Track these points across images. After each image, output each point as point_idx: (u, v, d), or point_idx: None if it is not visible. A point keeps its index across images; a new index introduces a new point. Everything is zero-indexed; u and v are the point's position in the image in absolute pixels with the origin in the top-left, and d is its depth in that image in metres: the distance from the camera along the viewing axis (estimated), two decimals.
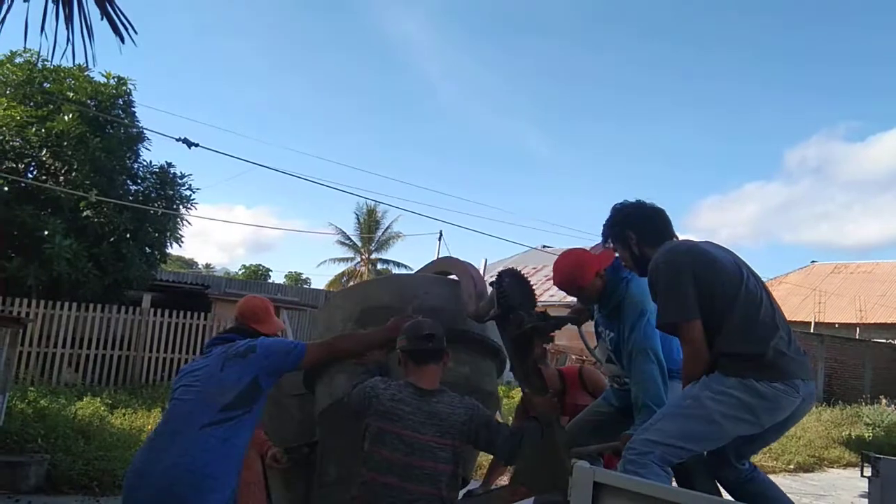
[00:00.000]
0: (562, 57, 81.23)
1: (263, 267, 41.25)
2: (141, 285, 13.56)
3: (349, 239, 35.92)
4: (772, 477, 3.38)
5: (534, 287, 3.24)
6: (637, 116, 79.24)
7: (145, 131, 14.11)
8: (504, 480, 4.54)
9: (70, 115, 12.52)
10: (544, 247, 25.89)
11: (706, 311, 2.56)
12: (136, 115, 14.19)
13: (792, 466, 11.55)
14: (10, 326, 7.84)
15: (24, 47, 12.44)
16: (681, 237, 2.95)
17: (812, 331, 23.60)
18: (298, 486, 3.59)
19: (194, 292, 15.85)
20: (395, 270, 34.13)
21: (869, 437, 14.42)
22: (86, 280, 12.20)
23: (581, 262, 3.19)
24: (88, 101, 13.09)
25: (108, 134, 13.25)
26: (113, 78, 13.59)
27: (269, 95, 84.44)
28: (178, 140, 10.49)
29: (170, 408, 2.84)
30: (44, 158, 12.67)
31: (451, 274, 3.67)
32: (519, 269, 3.38)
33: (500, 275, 3.06)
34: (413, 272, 4.22)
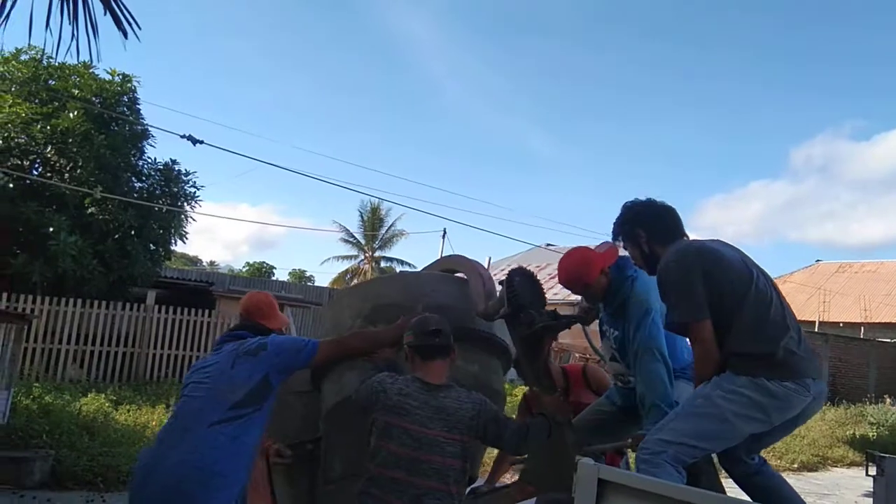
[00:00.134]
0: (564, 57, 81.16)
1: (267, 264, 41.37)
2: (145, 282, 13.60)
3: (353, 237, 35.95)
4: None
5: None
6: (640, 116, 79.19)
7: (150, 128, 14.18)
8: (508, 479, 4.54)
9: (75, 113, 12.56)
10: (548, 245, 25.86)
11: (715, 310, 2.56)
12: (141, 112, 14.26)
13: (796, 465, 11.53)
14: (16, 323, 7.87)
15: (29, 44, 12.49)
16: (688, 234, 2.94)
17: (816, 330, 23.53)
18: (302, 483, 3.59)
19: (198, 289, 15.87)
20: (399, 268, 34.16)
21: (873, 436, 14.38)
22: (90, 277, 12.24)
23: (586, 259, 3.18)
24: (93, 99, 13.14)
25: (113, 131, 13.29)
26: (118, 75, 13.64)
27: (274, 94, 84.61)
28: (182, 137, 10.52)
29: (180, 404, 2.84)
30: (49, 155, 12.72)
31: (458, 272, 3.66)
32: (520, 266, 3.37)
33: (511, 274, 3.06)
34: (420, 270, 4.21)
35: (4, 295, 11.09)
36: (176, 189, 14.28)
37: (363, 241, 36.12)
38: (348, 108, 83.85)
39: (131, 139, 13.75)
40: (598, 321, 3.44)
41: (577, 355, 14.55)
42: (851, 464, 12.44)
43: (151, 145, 14.38)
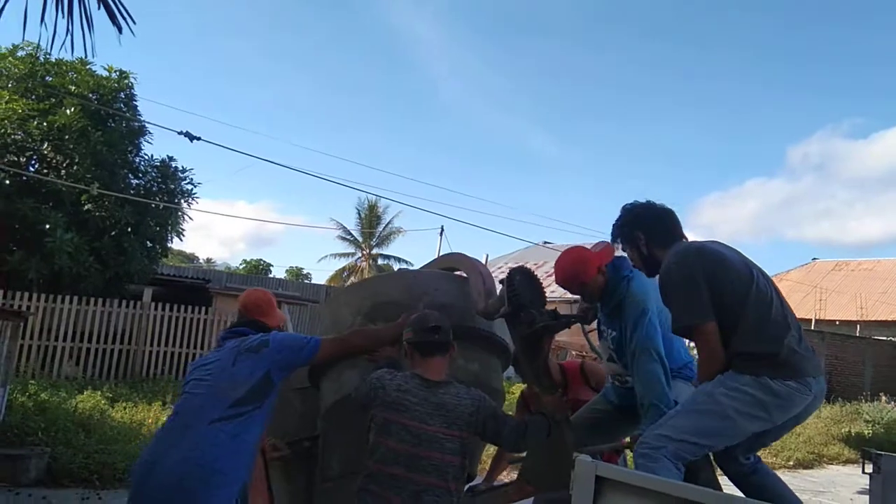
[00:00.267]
0: (564, 56, 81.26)
1: (264, 262, 41.34)
2: (142, 279, 13.58)
3: (350, 234, 35.91)
4: None
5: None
6: (638, 115, 79.32)
7: (147, 125, 14.14)
8: (506, 477, 4.55)
9: (72, 109, 12.52)
10: (545, 243, 25.85)
11: (718, 310, 2.57)
12: (138, 108, 14.22)
13: (791, 463, 11.57)
14: (12, 320, 7.85)
15: (24, 39, 12.44)
16: (686, 235, 2.95)
17: (813, 328, 23.60)
18: (299, 480, 3.60)
19: (195, 286, 15.86)
20: (397, 266, 34.14)
21: (868, 434, 14.43)
22: (87, 274, 12.21)
23: (583, 258, 3.19)
24: (90, 95, 13.09)
25: (110, 127, 13.26)
26: (115, 72, 13.59)
27: (273, 92, 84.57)
28: (179, 133, 10.47)
29: (181, 401, 2.83)
30: (45, 152, 12.67)
31: (458, 270, 3.66)
32: (520, 265, 3.37)
33: (511, 273, 3.06)
34: (419, 268, 4.21)
35: (0, 292, 11.06)
36: (173, 186, 14.24)
37: (360, 239, 36.09)
38: (348, 107, 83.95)
39: (128, 136, 13.71)
40: (596, 321, 3.44)
41: (573, 353, 14.57)
42: (847, 461, 12.49)
43: (148, 142, 14.36)
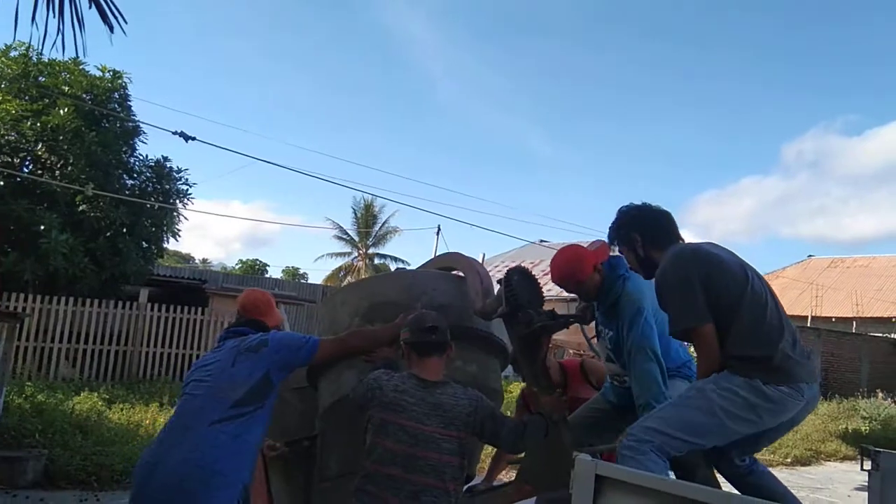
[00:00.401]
0: (562, 56, 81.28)
1: (260, 262, 41.24)
2: (138, 280, 13.55)
3: (346, 234, 35.88)
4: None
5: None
6: (635, 115, 79.34)
7: (141, 125, 14.09)
8: (505, 477, 4.54)
9: (65, 109, 12.48)
10: (542, 241, 25.85)
11: (713, 312, 2.56)
12: (132, 108, 14.17)
13: (789, 460, 11.60)
14: (7, 321, 7.80)
15: (15, 38, 12.40)
16: (683, 237, 2.94)
17: (809, 325, 23.62)
18: (298, 479, 3.60)
19: (191, 287, 15.83)
20: (393, 265, 34.09)
21: (866, 430, 14.45)
22: (82, 275, 12.17)
23: (578, 256, 3.18)
24: (84, 95, 13.05)
25: (104, 128, 13.22)
26: (108, 71, 13.55)
27: (269, 91, 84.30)
28: (174, 133, 10.43)
29: (181, 402, 2.83)
30: (39, 152, 12.62)
31: (455, 269, 3.65)
32: (517, 263, 3.37)
33: (509, 272, 3.05)
34: (417, 268, 4.21)
35: None
36: (168, 186, 14.21)
37: (357, 239, 36.06)
38: (345, 107, 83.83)
39: (122, 136, 13.66)
40: (594, 322, 3.44)
41: (571, 351, 14.57)
42: (844, 458, 12.52)
43: (143, 142, 14.31)
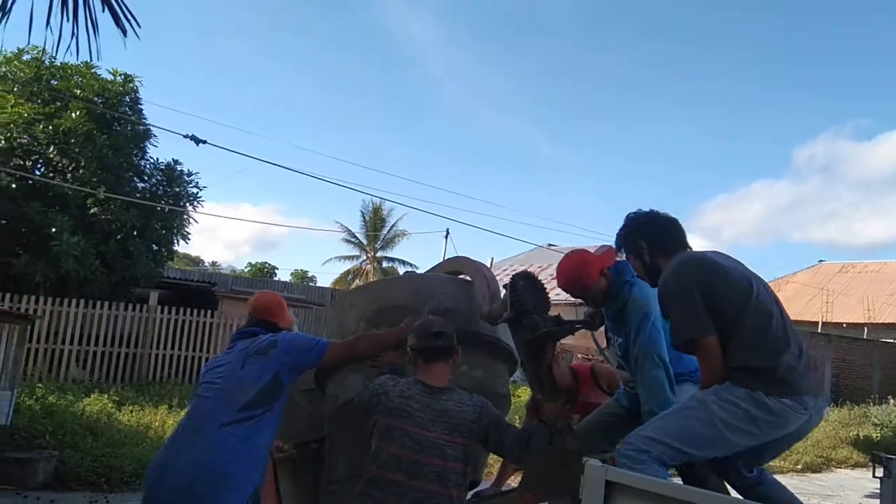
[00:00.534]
0: (565, 57, 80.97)
1: (269, 265, 41.31)
2: (148, 283, 13.61)
3: (355, 237, 35.93)
4: (779, 477, 3.35)
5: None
6: (641, 116, 78.98)
7: (152, 128, 14.18)
8: (514, 481, 4.52)
9: (77, 113, 12.57)
10: (550, 245, 25.80)
11: (715, 322, 2.52)
12: (143, 111, 14.27)
13: (800, 466, 11.51)
14: (18, 323, 7.87)
15: (29, 43, 12.49)
16: (690, 239, 2.92)
17: (820, 330, 23.48)
18: (306, 481, 3.60)
19: (201, 290, 15.88)
20: (401, 269, 34.11)
21: (877, 437, 14.34)
22: (93, 277, 12.25)
23: (584, 261, 3.17)
24: (95, 98, 13.16)
25: (115, 131, 13.31)
26: (120, 75, 13.65)
27: (273, 93, 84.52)
28: (185, 137, 10.49)
29: (193, 404, 2.85)
30: (51, 155, 12.73)
31: (463, 273, 3.65)
32: (525, 267, 3.37)
33: (514, 278, 3.04)
34: (424, 272, 4.21)
35: (7, 295, 11.09)
36: (178, 189, 14.29)
37: (365, 242, 36.12)
38: (349, 108, 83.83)
39: (133, 139, 13.76)
40: (604, 328, 3.42)
41: (579, 356, 14.52)
42: (855, 465, 12.42)
43: (153, 145, 14.41)
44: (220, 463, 2.55)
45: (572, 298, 3.34)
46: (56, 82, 13.26)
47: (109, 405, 9.40)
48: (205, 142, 10.45)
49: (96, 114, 12.90)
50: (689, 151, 77.93)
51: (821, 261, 34.16)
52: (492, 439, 2.70)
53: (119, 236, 12.90)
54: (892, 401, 17.82)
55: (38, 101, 12.83)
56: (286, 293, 18.01)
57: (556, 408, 2.99)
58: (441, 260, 4.19)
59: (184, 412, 2.92)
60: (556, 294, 3.59)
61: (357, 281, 33.52)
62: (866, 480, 10.99)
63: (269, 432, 2.74)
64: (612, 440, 3.22)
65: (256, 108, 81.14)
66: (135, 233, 13.14)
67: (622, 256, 3.08)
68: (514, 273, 3.15)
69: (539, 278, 3.23)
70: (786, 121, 72.29)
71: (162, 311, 12.96)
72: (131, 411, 9.44)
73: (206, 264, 47.74)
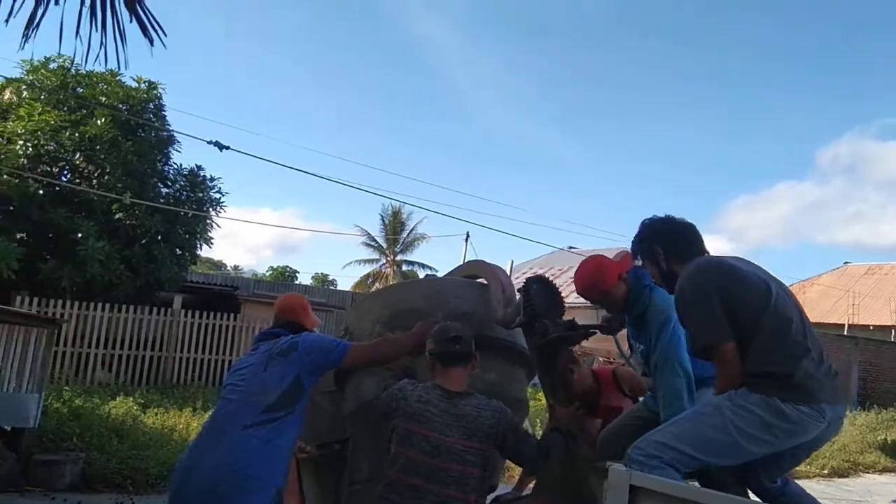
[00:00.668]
0: (587, 60, 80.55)
1: (290, 268, 41.56)
2: (172, 287, 13.78)
3: (374, 240, 36.05)
4: (805, 482, 3.30)
5: (560, 289, 3.19)
6: (664, 120, 78.23)
7: (175, 134, 14.36)
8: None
9: (102, 120, 12.77)
10: (570, 248, 25.66)
11: (732, 325, 2.46)
12: (167, 118, 14.46)
13: (826, 471, 11.33)
14: (46, 327, 7.99)
15: (60, 52, 12.71)
16: (714, 241, 2.88)
17: (846, 333, 23.12)
18: (328, 482, 3.63)
19: (224, 293, 16.03)
20: (421, 272, 34.17)
21: None
22: (118, 281, 12.42)
23: (603, 265, 3.13)
24: (120, 105, 13.35)
25: (140, 137, 13.51)
26: (144, 82, 13.85)
27: (294, 98, 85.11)
28: (209, 143, 10.58)
29: (218, 407, 2.89)
30: (77, 162, 12.94)
31: (480, 277, 3.65)
32: (545, 270, 3.37)
33: (528, 282, 3.03)
34: (443, 276, 4.23)
35: (35, 300, 11.28)
36: (201, 194, 14.46)
37: (385, 245, 36.23)
38: (369, 112, 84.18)
39: (157, 145, 13.95)
40: (626, 335, 3.37)
41: (601, 359, 14.44)
42: (883, 470, 12.22)
43: (177, 150, 14.61)
44: (243, 465, 2.58)
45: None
46: (82, 90, 13.49)
47: (135, 408, 9.52)
48: (228, 147, 10.53)
49: (121, 120, 13.09)
50: (712, 154, 77.17)
51: (846, 262, 33.66)
52: (509, 445, 2.69)
53: (144, 241, 13.07)
54: None
55: (65, 108, 13.06)
56: (307, 296, 18.12)
57: (569, 413, 2.97)
58: (461, 263, 4.20)
59: (208, 415, 2.96)
60: (576, 297, 3.57)
61: (377, 284, 33.64)
62: (895, 486, 10.84)
63: (292, 434, 2.76)
64: None
65: (277, 112, 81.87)
66: (159, 237, 13.31)
67: (639, 263, 3.05)
68: (527, 277, 3.14)
69: (554, 282, 3.21)
70: (808, 121, 71.37)
71: (185, 315, 13.11)
72: (156, 414, 9.55)
73: (229, 268, 48.16)
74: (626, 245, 3.30)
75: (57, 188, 12.45)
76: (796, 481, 2.90)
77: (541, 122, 78.23)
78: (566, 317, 3.16)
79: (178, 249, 14.17)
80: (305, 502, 3.48)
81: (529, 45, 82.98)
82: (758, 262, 2.75)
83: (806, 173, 78.95)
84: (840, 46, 67.60)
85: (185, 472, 2.64)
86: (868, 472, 12.10)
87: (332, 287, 34.64)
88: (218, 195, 14.72)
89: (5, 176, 11.79)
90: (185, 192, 14.39)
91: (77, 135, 12.61)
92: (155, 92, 13.98)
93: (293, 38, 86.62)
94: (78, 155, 12.84)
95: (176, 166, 14.59)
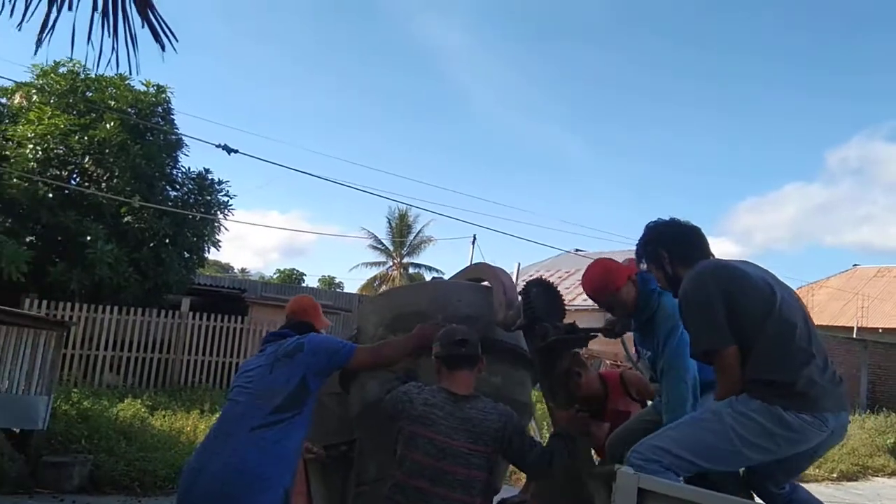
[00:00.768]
0: (595, 62, 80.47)
1: (297, 271, 41.57)
2: (180, 289, 13.83)
3: (381, 243, 36.09)
4: (814, 486, 3.29)
5: (566, 291, 3.19)
6: (672, 122, 78.07)
7: (184, 138, 14.44)
8: None
9: (111, 123, 12.85)
10: (577, 250, 25.61)
11: (735, 331, 2.44)
12: (175, 121, 14.53)
13: (835, 475, 11.27)
14: (55, 330, 8.05)
15: (71, 57, 12.81)
16: (721, 243, 2.86)
17: (855, 336, 22.99)
18: (335, 483, 3.64)
19: (231, 296, 16.08)
20: (428, 275, 34.15)
21: None
22: (127, 284, 12.48)
23: (612, 267, 3.11)
24: (129, 109, 13.43)
25: (148, 141, 13.57)
26: (152, 86, 13.92)
27: (300, 100, 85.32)
28: (217, 146, 10.61)
29: (225, 409, 2.91)
30: (86, 165, 13.02)
31: (484, 280, 3.66)
32: (552, 273, 3.37)
33: (528, 284, 3.02)
34: (448, 279, 4.23)
35: (44, 302, 11.35)
36: (209, 198, 14.52)
37: (391, 248, 36.26)
38: (376, 115, 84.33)
39: (166, 149, 14.02)
40: (633, 341, 3.35)
41: (608, 362, 14.42)
42: (892, 473, 12.17)
43: (185, 154, 14.68)
44: (251, 466, 2.59)
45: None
46: (91, 94, 13.57)
47: (143, 410, 9.56)
48: (236, 151, 10.56)
49: (130, 124, 13.17)
50: (719, 155, 76.91)
51: (855, 265, 33.45)
52: (514, 449, 2.68)
53: (152, 244, 13.14)
54: None
55: (74, 112, 13.15)
56: (314, 299, 18.16)
57: (568, 416, 2.96)
58: (465, 266, 4.20)
59: (216, 417, 2.98)
60: (584, 300, 3.57)
61: (384, 287, 33.67)
62: None
63: (300, 435, 2.78)
64: None
65: (283, 116, 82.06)
66: (167, 240, 13.38)
67: (643, 267, 3.03)
68: (528, 280, 3.13)
69: (555, 285, 3.20)
70: (817, 123, 71.08)
71: (193, 318, 13.15)
72: (164, 416, 9.60)
73: (236, 271, 48.26)
74: (633, 247, 3.29)
75: (66, 191, 12.53)
76: (805, 485, 2.88)
77: (548, 124, 78.17)
78: (570, 320, 3.16)
79: (186, 252, 14.22)
80: (313, 503, 3.49)
81: (536, 47, 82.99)
82: (765, 265, 2.73)
83: (815, 175, 78.58)
84: (852, 47, 67.38)
85: (192, 473, 2.66)
86: (877, 476, 12.04)
87: (338, 289, 34.71)
88: (226, 198, 14.80)
89: (15, 179, 11.89)
90: (193, 196, 14.46)
91: (86, 138, 12.69)
92: (163, 95, 14.05)
93: (300, 41, 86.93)
94: (87, 158, 12.92)
95: (184, 169, 14.69)
